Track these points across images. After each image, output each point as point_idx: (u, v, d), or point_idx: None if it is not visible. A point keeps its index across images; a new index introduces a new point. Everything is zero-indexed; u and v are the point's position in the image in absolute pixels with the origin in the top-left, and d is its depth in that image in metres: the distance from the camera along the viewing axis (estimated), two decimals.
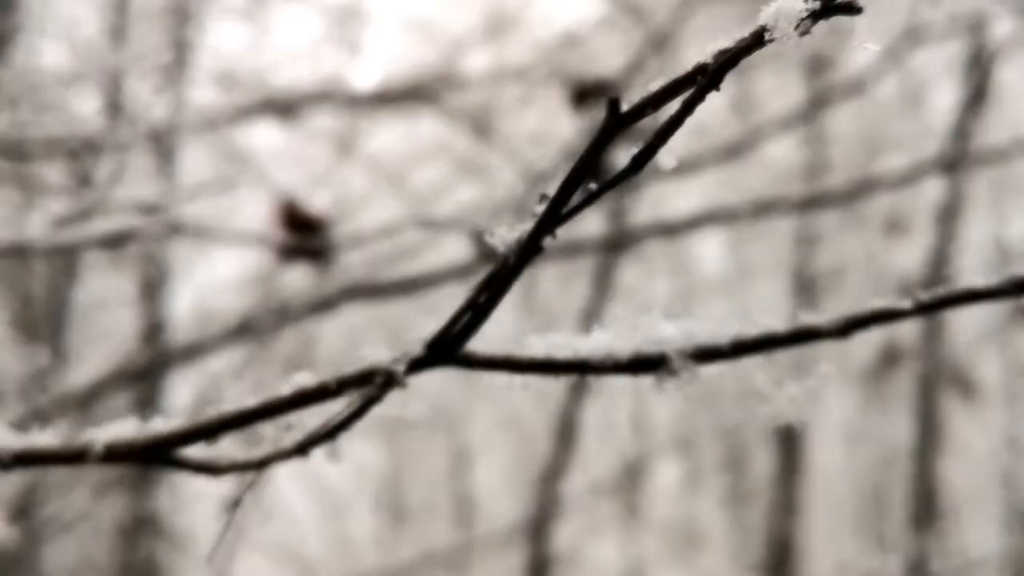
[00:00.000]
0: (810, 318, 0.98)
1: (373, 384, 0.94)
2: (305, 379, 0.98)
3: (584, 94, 2.71)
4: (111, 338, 6.14)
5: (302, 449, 0.99)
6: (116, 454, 0.97)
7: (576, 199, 0.89)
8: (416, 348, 0.96)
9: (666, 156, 0.86)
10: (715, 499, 8.40)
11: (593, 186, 0.88)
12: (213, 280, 7.55)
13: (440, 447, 8.31)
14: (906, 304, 0.96)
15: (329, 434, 0.99)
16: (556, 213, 0.88)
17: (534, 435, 7.93)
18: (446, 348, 0.95)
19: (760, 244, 7.65)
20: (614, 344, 0.98)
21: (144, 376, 3.25)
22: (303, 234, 2.94)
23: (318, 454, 1.01)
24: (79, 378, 3.34)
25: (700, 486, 8.41)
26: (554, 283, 7.29)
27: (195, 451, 1.01)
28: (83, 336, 6.80)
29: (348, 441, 1.01)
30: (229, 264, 7.60)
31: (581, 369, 0.97)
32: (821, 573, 7.83)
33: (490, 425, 8.27)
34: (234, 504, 1.02)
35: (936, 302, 1.00)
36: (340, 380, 0.96)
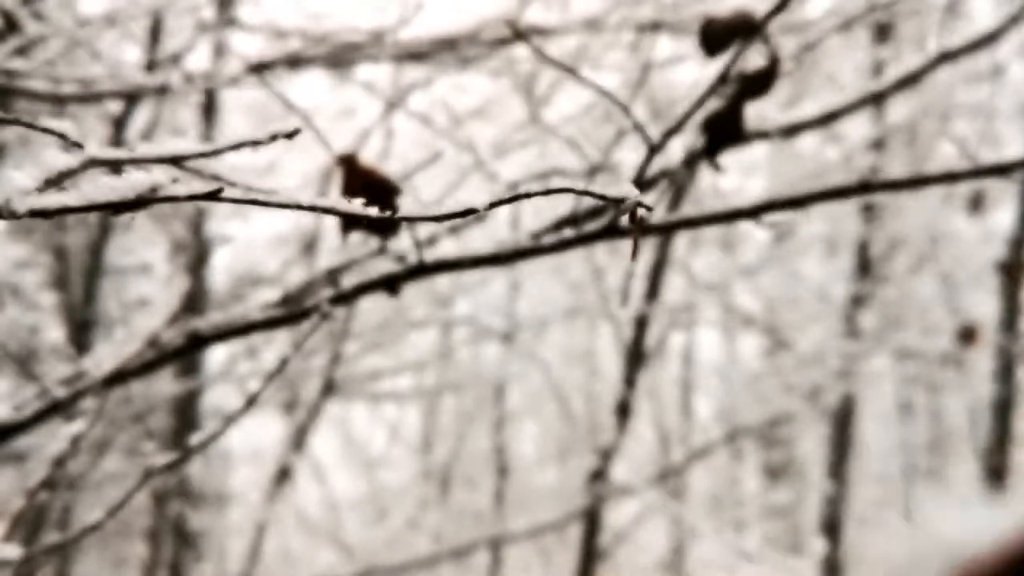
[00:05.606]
0: None
1: None
2: None
3: (721, 35, 1.96)
4: (145, 304, 5.47)
5: None
6: None
7: None
8: None
9: None
10: (760, 474, 7.74)
11: None
12: (253, 236, 6.82)
13: (483, 416, 7.60)
14: None
15: None
16: None
17: (576, 405, 7.29)
18: None
19: (817, 213, 6.88)
20: None
21: (179, 356, 2.51)
22: (373, 201, 2.16)
23: None
24: (107, 360, 2.60)
25: (745, 462, 7.74)
26: (602, 252, 6.59)
27: None
28: (118, 298, 6.16)
29: None
30: (269, 219, 6.85)
31: None
32: (869, 549, 7.21)
33: (531, 393, 7.60)
34: None
35: None
36: None
